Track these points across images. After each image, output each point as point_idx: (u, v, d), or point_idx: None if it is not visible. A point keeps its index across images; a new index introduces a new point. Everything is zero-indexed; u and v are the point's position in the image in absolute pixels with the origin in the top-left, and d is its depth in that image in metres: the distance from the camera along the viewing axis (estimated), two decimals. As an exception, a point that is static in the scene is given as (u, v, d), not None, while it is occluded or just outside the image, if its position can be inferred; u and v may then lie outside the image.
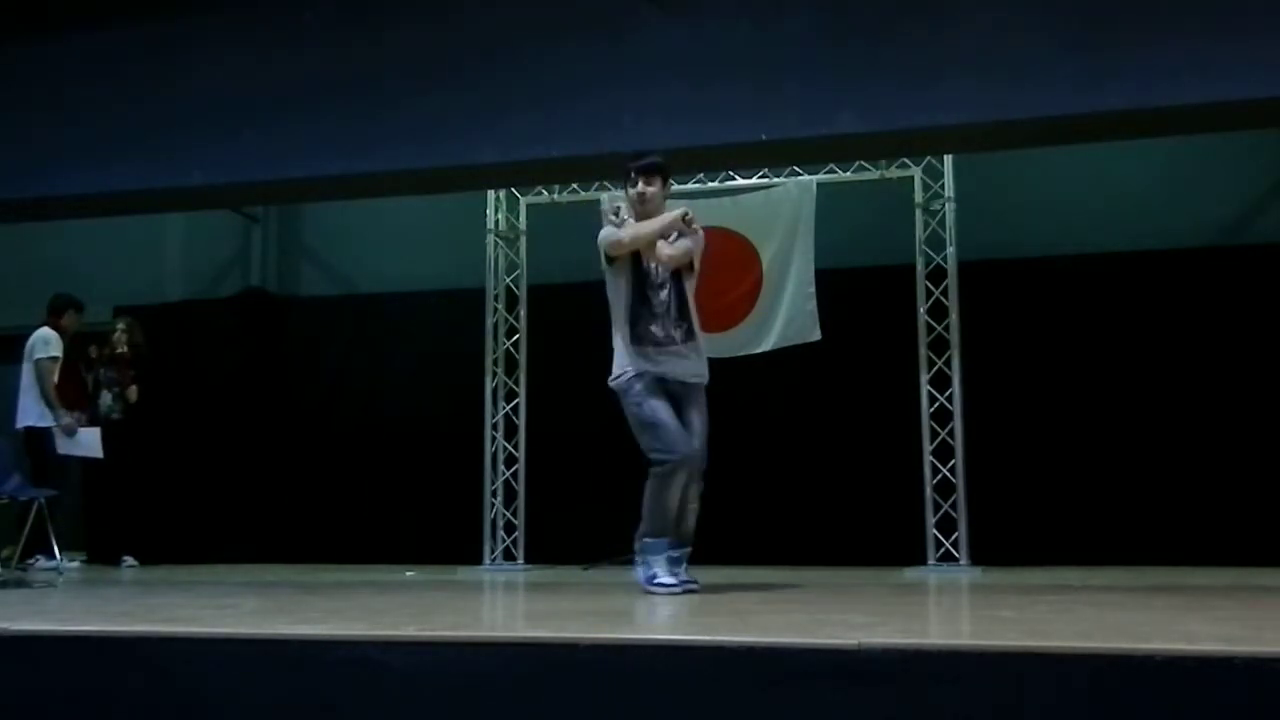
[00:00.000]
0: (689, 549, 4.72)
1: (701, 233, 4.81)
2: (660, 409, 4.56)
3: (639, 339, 4.64)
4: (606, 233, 4.73)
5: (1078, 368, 7.61)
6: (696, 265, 4.76)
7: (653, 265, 4.70)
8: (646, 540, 4.57)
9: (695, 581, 4.61)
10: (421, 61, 5.89)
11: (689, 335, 4.69)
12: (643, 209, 4.73)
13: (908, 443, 7.25)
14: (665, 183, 4.79)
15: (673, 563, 4.64)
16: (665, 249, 4.63)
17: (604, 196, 7.32)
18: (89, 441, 7.57)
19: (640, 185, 4.70)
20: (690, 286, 4.75)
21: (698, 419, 4.66)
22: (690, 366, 4.69)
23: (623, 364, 4.67)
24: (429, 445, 8.45)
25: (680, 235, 4.70)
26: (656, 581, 4.48)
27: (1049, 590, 4.76)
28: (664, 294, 4.69)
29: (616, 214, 4.78)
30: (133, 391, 8.25)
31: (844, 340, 7.48)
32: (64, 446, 7.44)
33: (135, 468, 8.21)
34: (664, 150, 5.09)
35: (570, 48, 5.69)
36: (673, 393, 4.64)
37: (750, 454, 7.80)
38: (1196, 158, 7.59)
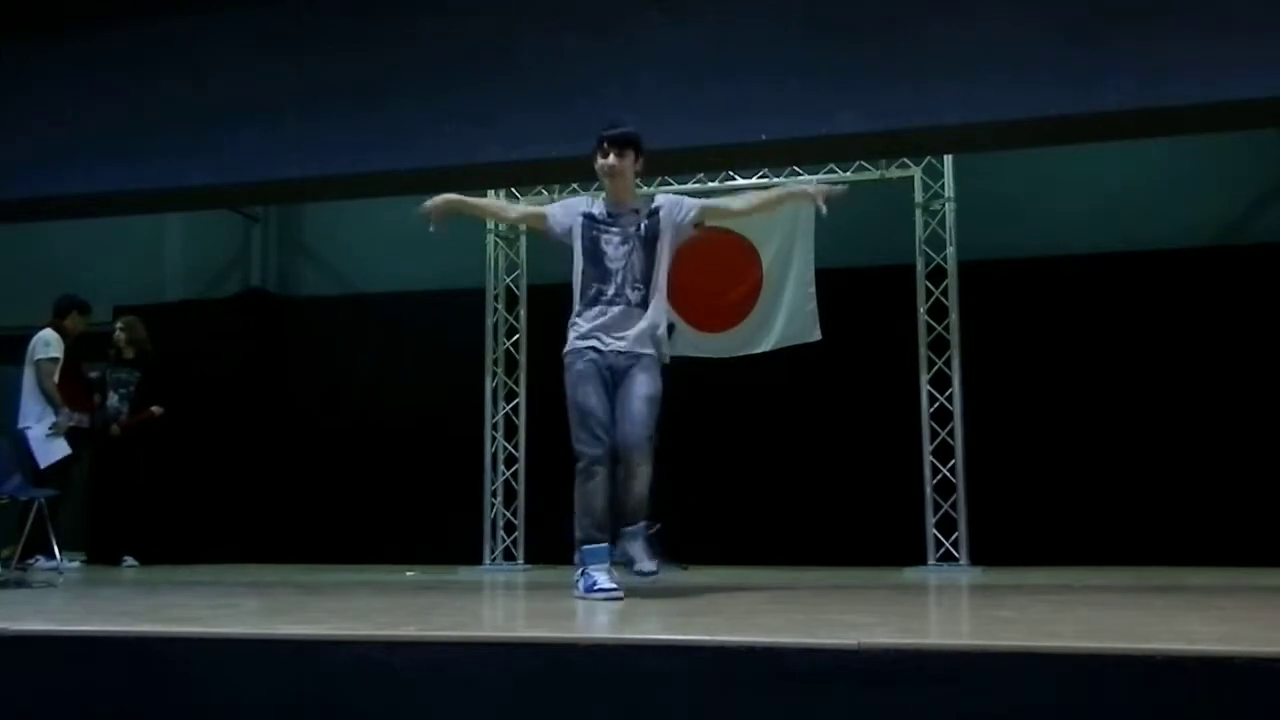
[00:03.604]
0: (641, 524, 4.42)
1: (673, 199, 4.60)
2: (591, 395, 4.31)
3: (589, 300, 4.41)
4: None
5: (1078, 368, 7.61)
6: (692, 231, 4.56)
7: (608, 215, 4.48)
8: (586, 548, 4.28)
9: (655, 571, 4.42)
10: (421, 61, 5.88)
11: (644, 302, 4.41)
12: (611, 184, 4.50)
13: (908, 443, 7.26)
14: (638, 158, 4.53)
15: (627, 541, 4.43)
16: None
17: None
18: (53, 450, 7.49)
19: (612, 157, 4.45)
20: (665, 251, 4.48)
21: (643, 388, 4.34)
22: (637, 332, 4.39)
23: (571, 336, 4.46)
24: (429, 445, 8.46)
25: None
26: (597, 589, 4.14)
27: (1049, 590, 4.76)
28: (623, 249, 4.42)
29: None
30: (156, 409, 8.26)
31: (844, 340, 7.49)
32: (39, 448, 7.35)
33: (136, 468, 8.22)
34: (664, 150, 5.09)
35: (571, 47, 5.69)
36: (614, 367, 4.36)
37: (750, 454, 7.82)
38: (1196, 158, 7.59)
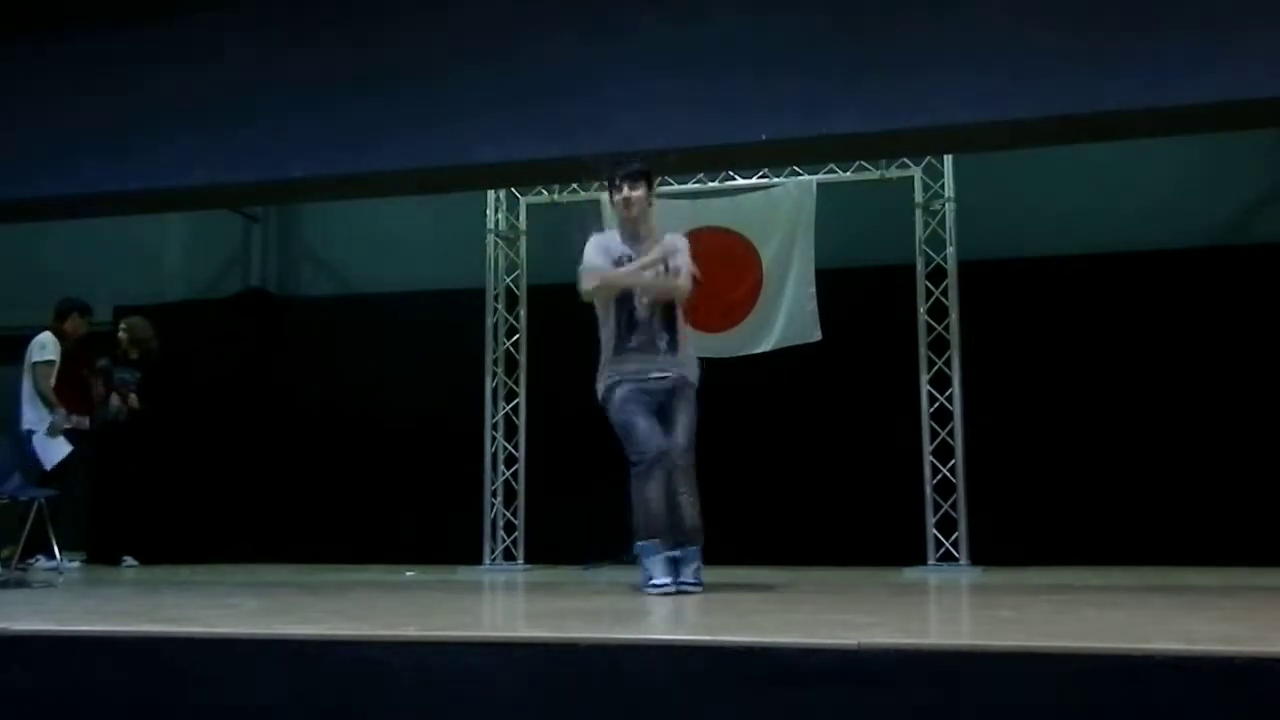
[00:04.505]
0: (695, 547, 4.67)
1: (684, 245, 4.81)
2: (635, 412, 4.61)
3: (620, 349, 4.71)
4: (581, 275, 4.79)
5: (1078, 368, 7.61)
6: (689, 272, 4.76)
7: (629, 256, 4.76)
8: (641, 544, 4.62)
9: (700, 584, 4.58)
10: (421, 61, 5.88)
11: (672, 346, 4.73)
12: (628, 214, 4.76)
13: (908, 443, 7.25)
14: (650, 186, 4.82)
15: (680, 563, 4.61)
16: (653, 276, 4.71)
17: (603, 198, 7.30)
18: (55, 450, 7.48)
19: (626, 191, 4.73)
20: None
21: (683, 415, 4.68)
22: (673, 370, 4.72)
23: (604, 376, 4.75)
24: (429, 445, 8.45)
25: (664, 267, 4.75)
26: (651, 583, 4.51)
27: (1049, 590, 4.76)
28: (648, 306, 4.73)
29: (585, 231, 4.83)
30: (134, 399, 8.26)
31: (844, 340, 7.48)
32: (42, 449, 7.32)
33: (136, 468, 8.22)
34: (664, 150, 5.09)
35: (570, 47, 5.69)
36: (653, 392, 4.67)
37: (751, 454, 7.80)
38: (1196, 158, 7.59)
